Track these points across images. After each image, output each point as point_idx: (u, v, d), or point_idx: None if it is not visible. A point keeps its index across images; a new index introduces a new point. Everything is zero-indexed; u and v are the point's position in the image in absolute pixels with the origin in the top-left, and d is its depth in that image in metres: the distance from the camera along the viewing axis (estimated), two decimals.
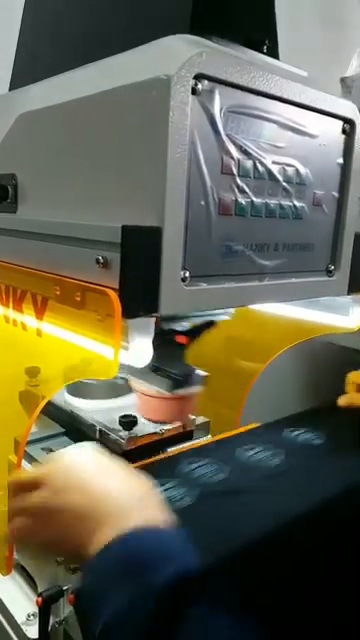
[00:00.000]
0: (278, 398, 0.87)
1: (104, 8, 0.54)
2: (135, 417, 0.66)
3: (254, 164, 0.43)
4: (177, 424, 0.69)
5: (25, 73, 0.61)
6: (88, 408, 0.72)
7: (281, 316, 0.63)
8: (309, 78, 0.50)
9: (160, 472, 0.61)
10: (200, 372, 0.62)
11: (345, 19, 1.34)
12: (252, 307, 0.59)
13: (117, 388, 0.74)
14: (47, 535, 0.42)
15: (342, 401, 0.72)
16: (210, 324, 0.60)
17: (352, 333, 0.64)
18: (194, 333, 0.59)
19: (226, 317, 0.61)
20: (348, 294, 0.55)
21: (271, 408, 0.79)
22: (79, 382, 0.72)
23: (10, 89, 0.64)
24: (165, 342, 0.57)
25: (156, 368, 0.60)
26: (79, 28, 0.57)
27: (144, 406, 0.64)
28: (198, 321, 0.60)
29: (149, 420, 0.65)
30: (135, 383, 0.63)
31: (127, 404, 0.72)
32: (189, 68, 0.38)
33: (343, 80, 1.17)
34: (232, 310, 0.61)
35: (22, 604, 0.58)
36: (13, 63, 0.65)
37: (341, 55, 1.25)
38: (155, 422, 0.65)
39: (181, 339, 0.59)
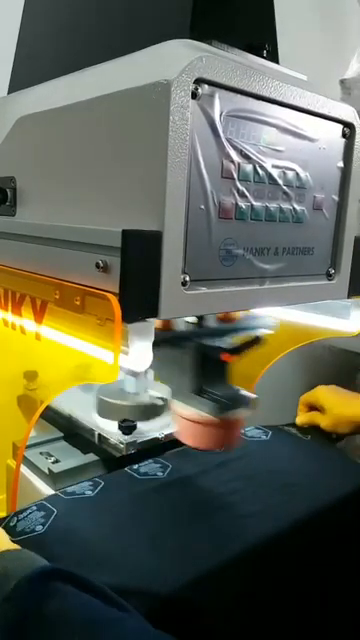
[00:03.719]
0: (278, 402, 0.86)
1: (104, 12, 0.54)
2: (134, 422, 0.66)
3: (254, 168, 0.43)
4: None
5: (24, 76, 0.61)
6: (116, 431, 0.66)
7: (281, 320, 0.62)
8: (309, 82, 0.50)
9: None
10: (248, 394, 0.56)
11: (344, 21, 1.34)
12: (252, 311, 0.58)
13: (149, 409, 0.68)
14: None
15: (300, 420, 0.75)
16: (256, 340, 0.57)
17: (352, 337, 0.63)
18: (239, 350, 0.55)
19: (269, 330, 0.58)
20: (348, 298, 0.55)
21: (271, 412, 0.78)
22: (108, 402, 0.67)
23: (9, 92, 0.64)
24: (207, 360, 0.54)
25: (199, 389, 0.55)
26: (79, 31, 0.57)
27: (186, 432, 0.57)
28: (242, 336, 0.56)
29: (191, 447, 0.58)
30: (176, 406, 0.57)
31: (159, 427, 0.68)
32: (189, 72, 0.37)
33: (342, 82, 1.18)
34: (272, 322, 0.58)
35: None
36: (12, 66, 0.64)
37: (340, 57, 1.25)
38: (196, 449, 0.58)
39: (226, 357, 0.54)
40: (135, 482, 0.58)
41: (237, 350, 0.55)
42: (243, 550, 0.49)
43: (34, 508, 0.53)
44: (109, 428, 0.67)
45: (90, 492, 0.56)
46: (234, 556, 0.48)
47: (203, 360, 0.54)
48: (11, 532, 0.50)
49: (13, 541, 0.47)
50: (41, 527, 0.50)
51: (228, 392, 0.55)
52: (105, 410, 0.68)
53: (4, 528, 0.50)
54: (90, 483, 0.58)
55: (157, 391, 0.70)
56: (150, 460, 0.63)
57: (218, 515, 0.54)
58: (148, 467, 0.61)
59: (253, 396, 0.56)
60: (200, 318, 0.56)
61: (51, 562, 0.41)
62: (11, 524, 0.51)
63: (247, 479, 0.60)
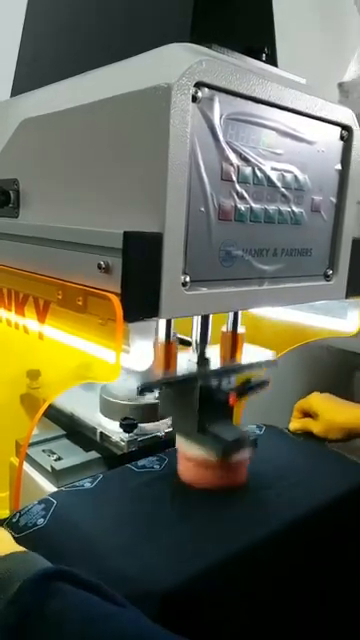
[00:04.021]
0: (277, 401, 0.87)
1: (105, 16, 0.55)
2: (135, 420, 0.66)
3: (253, 170, 0.44)
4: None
5: (27, 79, 0.62)
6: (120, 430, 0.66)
7: (280, 320, 0.63)
8: (307, 85, 0.51)
9: None
10: (252, 432, 0.56)
11: (343, 24, 1.34)
12: (251, 311, 0.59)
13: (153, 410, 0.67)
14: None
15: (293, 426, 0.75)
16: (263, 384, 0.58)
17: (350, 336, 0.64)
18: (244, 392, 0.56)
19: (272, 366, 0.59)
20: (346, 298, 0.55)
21: (270, 411, 0.79)
22: (112, 402, 0.68)
23: (12, 95, 0.64)
24: (212, 401, 0.55)
25: (203, 429, 0.55)
26: (81, 35, 0.57)
27: (188, 471, 0.58)
28: (246, 375, 0.57)
29: (193, 486, 0.57)
30: (181, 446, 0.58)
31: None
32: (190, 76, 0.38)
33: (341, 85, 1.18)
34: (272, 356, 0.60)
35: None
36: (15, 69, 0.65)
37: (340, 57, 1.26)
38: (200, 489, 0.57)
39: (232, 400, 0.55)
40: (133, 474, 0.60)
41: (243, 393, 0.56)
42: (242, 548, 0.49)
43: (34, 502, 0.54)
44: (111, 426, 0.68)
45: (89, 484, 0.57)
46: (233, 554, 0.49)
47: (207, 400, 0.55)
48: (14, 528, 0.50)
49: (17, 537, 0.47)
50: (42, 520, 0.51)
51: (233, 433, 0.55)
52: (109, 409, 0.69)
53: (8, 525, 0.51)
54: (89, 477, 0.59)
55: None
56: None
57: (215, 511, 0.54)
58: (145, 460, 0.62)
59: (255, 435, 0.56)
60: (203, 357, 0.57)
61: (52, 554, 0.42)
62: (14, 520, 0.52)
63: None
